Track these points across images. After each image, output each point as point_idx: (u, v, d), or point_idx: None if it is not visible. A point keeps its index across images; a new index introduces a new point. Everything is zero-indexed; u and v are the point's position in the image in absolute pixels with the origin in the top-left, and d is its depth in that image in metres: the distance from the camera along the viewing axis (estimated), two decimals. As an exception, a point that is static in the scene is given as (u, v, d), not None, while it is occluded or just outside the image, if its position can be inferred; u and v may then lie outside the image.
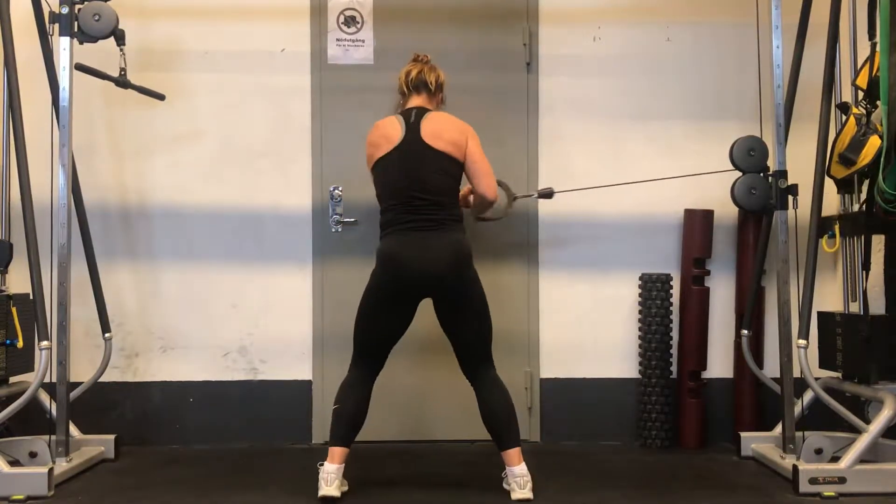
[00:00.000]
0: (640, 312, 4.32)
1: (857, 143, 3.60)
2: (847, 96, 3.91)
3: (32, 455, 3.57)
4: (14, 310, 3.70)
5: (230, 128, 4.35)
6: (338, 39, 4.37)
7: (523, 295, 4.38)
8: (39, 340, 3.54)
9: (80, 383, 4.03)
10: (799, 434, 3.71)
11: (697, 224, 4.31)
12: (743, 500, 3.39)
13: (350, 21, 4.36)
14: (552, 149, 4.38)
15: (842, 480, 3.39)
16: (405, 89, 3.53)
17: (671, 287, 4.29)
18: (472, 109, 4.32)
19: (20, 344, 3.71)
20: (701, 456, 4.13)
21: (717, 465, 3.94)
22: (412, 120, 3.42)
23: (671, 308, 4.29)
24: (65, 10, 3.63)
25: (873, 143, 3.55)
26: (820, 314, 4.04)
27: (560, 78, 4.39)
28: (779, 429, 3.88)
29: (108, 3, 3.69)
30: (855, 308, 3.89)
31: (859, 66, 3.81)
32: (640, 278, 4.31)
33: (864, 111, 3.63)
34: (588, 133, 4.39)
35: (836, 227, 3.83)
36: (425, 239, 3.33)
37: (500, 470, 3.39)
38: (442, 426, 4.32)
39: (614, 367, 4.38)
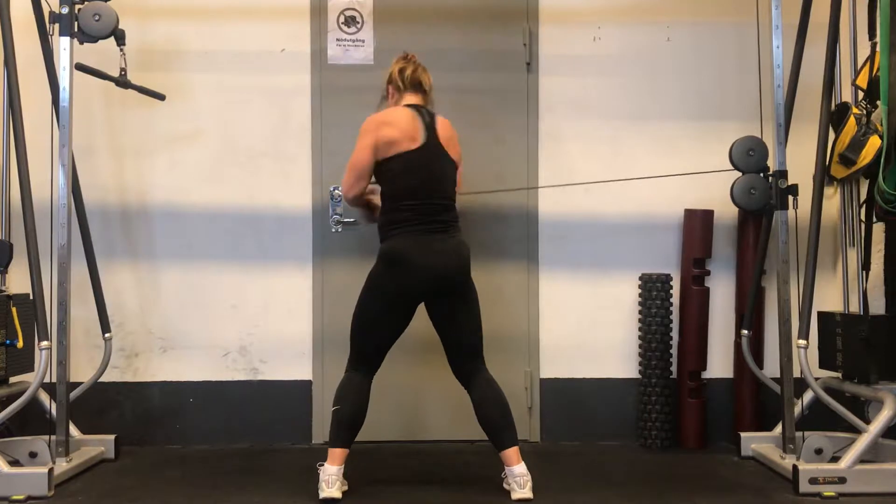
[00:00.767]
0: (640, 312, 4.32)
1: (857, 143, 3.60)
2: (847, 96, 3.91)
3: (32, 455, 3.57)
4: (14, 310, 3.70)
5: (230, 128, 4.35)
6: (338, 39, 4.37)
7: (523, 295, 4.38)
8: (39, 340, 3.54)
9: (80, 383, 4.03)
10: (799, 434, 3.71)
11: (697, 224, 4.31)
12: (743, 500, 3.39)
13: (350, 21, 4.36)
14: (552, 149, 4.38)
15: (842, 480, 3.39)
16: (401, 85, 3.52)
17: (671, 287, 4.29)
18: (472, 109, 4.35)
19: (20, 344, 3.71)
20: (701, 456, 4.13)
21: (716, 465, 3.94)
22: (428, 121, 3.43)
23: (671, 308, 4.29)
24: (65, 10, 3.63)
25: (873, 143, 3.55)
26: (820, 314, 4.03)
27: (560, 78, 4.39)
28: (779, 429, 3.88)
29: (108, 3, 3.69)
30: (855, 307, 3.89)
31: (859, 66, 3.81)
32: (640, 278, 4.31)
33: (864, 111, 3.63)
34: (588, 133, 4.39)
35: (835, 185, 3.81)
36: (441, 241, 3.36)
37: (500, 470, 3.39)
38: (442, 426, 4.32)
39: (614, 367, 4.38)
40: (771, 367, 4.20)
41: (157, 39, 4.31)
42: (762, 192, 3.74)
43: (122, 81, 3.91)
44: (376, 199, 3.54)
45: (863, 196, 3.85)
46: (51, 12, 3.72)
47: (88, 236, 4.03)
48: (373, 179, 3.47)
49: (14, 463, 3.57)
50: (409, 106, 3.47)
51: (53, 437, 3.65)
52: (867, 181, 3.75)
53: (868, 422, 3.59)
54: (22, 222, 3.57)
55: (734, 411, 4.33)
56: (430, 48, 4.30)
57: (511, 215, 4.29)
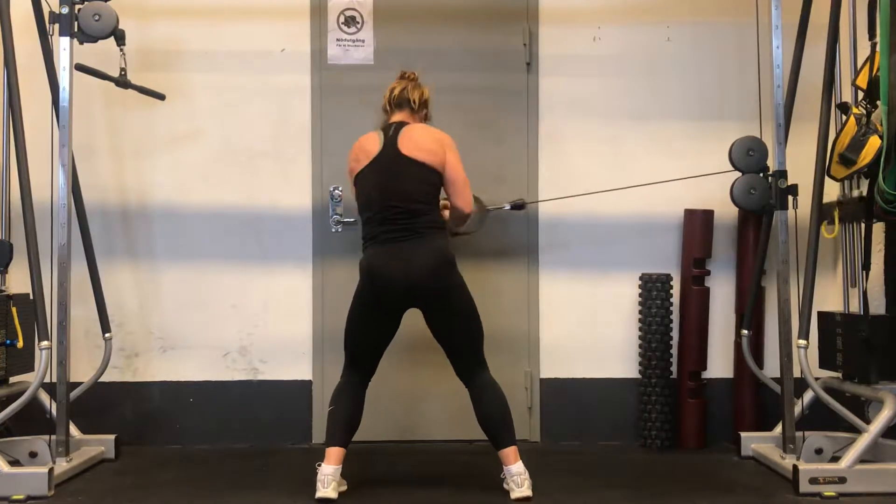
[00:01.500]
0: (640, 312, 4.32)
1: (857, 143, 3.60)
2: (847, 96, 3.91)
3: (32, 455, 3.57)
4: (14, 310, 3.70)
5: (230, 128, 4.35)
6: (338, 39, 4.37)
7: (523, 295, 4.38)
8: (39, 340, 3.54)
9: (80, 383, 4.03)
10: (799, 434, 3.71)
11: (697, 224, 4.31)
12: (743, 500, 3.39)
13: (350, 21, 4.36)
14: (552, 149, 4.38)
15: (842, 480, 3.39)
16: (388, 107, 3.55)
17: (671, 287, 4.29)
18: (472, 110, 4.35)
19: (20, 344, 3.71)
20: (701, 456, 4.13)
21: (717, 465, 3.94)
22: (391, 133, 3.44)
23: (671, 308, 4.29)
24: (65, 10, 3.63)
25: (873, 143, 3.54)
26: (820, 314, 4.03)
27: (560, 78, 4.39)
28: (779, 429, 3.88)
29: (108, 3, 3.69)
30: (855, 307, 3.89)
31: (859, 66, 3.81)
32: (640, 278, 4.31)
33: (864, 111, 3.63)
34: (588, 133, 4.39)
35: (836, 214, 3.82)
36: (405, 249, 3.33)
37: (499, 469, 3.39)
38: (441, 426, 4.32)
39: (614, 367, 4.38)
40: (771, 367, 4.20)
41: (157, 39, 4.31)
42: (762, 192, 3.74)
43: (122, 81, 3.91)
44: (445, 213, 3.56)
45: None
46: (51, 12, 3.72)
47: (88, 236, 4.03)
48: (443, 194, 3.48)
49: (14, 463, 3.57)
50: (383, 127, 3.50)
51: (53, 437, 3.64)
52: (867, 181, 3.75)
53: (868, 422, 3.59)
54: (22, 222, 3.57)
55: (734, 411, 4.33)
56: (430, 48, 4.32)
57: (511, 215, 4.29)
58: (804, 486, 3.39)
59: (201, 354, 4.32)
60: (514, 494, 3.31)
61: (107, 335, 4.07)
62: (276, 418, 4.31)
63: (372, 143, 3.44)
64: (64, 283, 3.64)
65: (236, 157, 4.35)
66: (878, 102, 3.50)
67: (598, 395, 4.36)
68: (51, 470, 3.41)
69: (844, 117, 3.73)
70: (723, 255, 4.40)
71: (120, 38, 3.76)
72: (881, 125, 3.48)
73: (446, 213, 3.57)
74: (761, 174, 3.76)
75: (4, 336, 3.68)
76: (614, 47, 4.41)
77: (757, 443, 3.99)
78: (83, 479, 3.66)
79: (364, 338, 3.44)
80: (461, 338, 3.41)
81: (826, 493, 3.36)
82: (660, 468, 3.92)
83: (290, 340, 4.33)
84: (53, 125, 3.74)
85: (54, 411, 3.70)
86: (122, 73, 3.89)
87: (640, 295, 4.31)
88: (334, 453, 3.34)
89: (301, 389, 4.33)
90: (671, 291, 4.29)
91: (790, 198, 3.72)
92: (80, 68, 3.83)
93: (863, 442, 3.45)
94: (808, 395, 3.89)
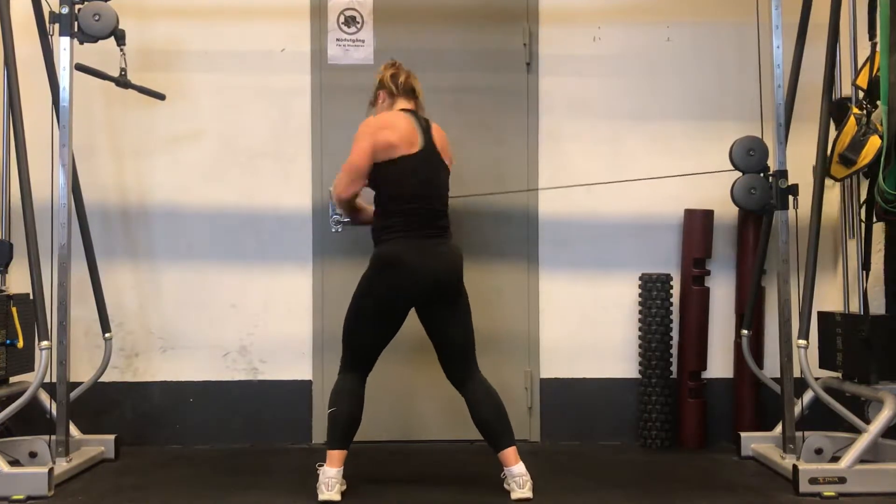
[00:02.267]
0: (640, 312, 4.32)
1: (857, 143, 3.60)
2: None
3: (32, 455, 3.57)
4: (14, 310, 3.70)
5: (230, 128, 4.35)
6: (338, 39, 4.37)
7: (523, 295, 4.37)
8: (39, 340, 3.54)
9: (80, 383, 4.03)
10: (799, 434, 3.71)
11: (697, 224, 4.31)
12: (743, 500, 3.39)
13: (350, 21, 4.36)
14: (552, 149, 4.38)
15: (842, 480, 3.39)
16: (394, 90, 3.51)
17: (671, 287, 4.29)
18: (472, 109, 4.35)
19: (20, 344, 3.70)
20: (701, 456, 4.13)
21: (717, 465, 3.94)
22: (425, 126, 3.44)
23: (671, 308, 4.29)
24: (65, 10, 3.63)
25: (873, 143, 3.55)
26: (820, 314, 4.04)
27: (560, 78, 4.39)
28: (779, 429, 3.88)
29: (108, 3, 3.69)
30: (855, 307, 3.89)
31: (859, 66, 3.81)
32: (640, 278, 4.31)
33: (864, 111, 3.63)
34: (588, 133, 4.39)
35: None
36: (436, 246, 3.37)
37: (500, 469, 3.39)
38: (441, 426, 4.32)
39: (614, 367, 4.38)
40: (771, 367, 4.20)
41: (157, 39, 4.31)
42: (762, 192, 3.74)
43: (122, 81, 3.91)
44: (363, 202, 3.55)
45: (863, 196, 3.85)
46: (51, 12, 3.72)
47: (88, 236, 4.03)
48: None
49: (14, 463, 3.57)
50: (404, 111, 3.47)
51: (53, 437, 3.64)
52: (867, 181, 3.75)
53: (868, 422, 3.59)
54: (22, 222, 3.57)
55: (734, 411, 4.33)
56: (430, 48, 4.32)
57: (511, 215, 4.29)
58: (804, 486, 3.39)
59: (201, 354, 4.32)
60: (515, 495, 3.31)
61: (107, 335, 4.07)
62: (276, 418, 4.31)
63: (411, 132, 3.39)
64: (64, 282, 3.64)
65: (236, 157, 4.35)
66: (878, 102, 3.50)
67: (599, 395, 4.36)
68: (51, 470, 3.41)
69: (837, 113, 3.73)
70: (723, 255, 4.40)
71: (120, 38, 3.76)
72: (881, 125, 3.49)
73: (361, 200, 3.54)
74: (762, 174, 3.76)
75: (4, 336, 3.68)
76: (614, 47, 4.41)
77: (757, 443, 3.99)
78: (83, 479, 3.66)
79: (376, 333, 3.40)
80: (463, 334, 3.42)
81: (826, 493, 3.36)
82: (660, 468, 3.92)
83: (290, 340, 4.33)
84: (53, 125, 3.74)
85: (54, 411, 3.69)
86: (122, 73, 3.89)
87: (640, 295, 4.31)
88: (337, 456, 3.33)
89: (301, 389, 4.33)
90: (671, 291, 4.29)
91: (790, 198, 3.72)
92: (80, 68, 3.83)
93: (863, 442, 3.45)
94: (808, 395, 3.89)
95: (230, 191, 4.34)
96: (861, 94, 3.71)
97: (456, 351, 3.42)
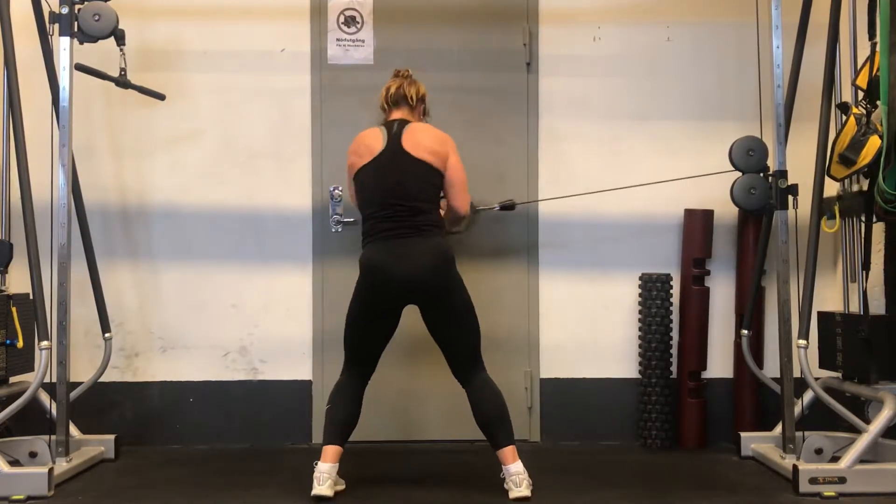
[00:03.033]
0: (640, 312, 4.32)
1: (857, 143, 3.60)
2: (847, 96, 3.91)
3: (32, 455, 3.57)
4: (14, 310, 3.70)
5: (230, 128, 4.35)
6: (338, 39, 4.37)
7: (523, 295, 4.38)
8: (39, 340, 3.55)
9: (80, 383, 4.03)
10: (799, 434, 3.71)
11: (697, 224, 4.31)
12: (743, 500, 3.39)
13: (350, 21, 4.36)
14: (552, 149, 4.38)
15: (842, 480, 3.39)
16: (385, 105, 3.56)
17: (671, 287, 4.29)
18: (472, 109, 4.35)
19: (20, 344, 3.71)
20: (701, 456, 4.13)
21: (717, 465, 3.94)
22: (394, 130, 3.44)
23: (671, 308, 4.29)
24: (65, 10, 3.63)
25: (873, 143, 3.54)
26: (820, 314, 4.03)
27: (560, 78, 4.39)
28: (779, 429, 3.88)
29: (108, 3, 3.69)
30: (855, 307, 3.89)
31: (859, 66, 3.81)
32: (640, 278, 4.31)
33: (864, 111, 3.63)
34: (588, 133, 4.39)
35: (836, 209, 3.81)
36: (405, 245, 3.35)
37: (500, 470, 3.38)
38: (441, 426, 4.32)
39: (614, 367, 4.38)
40: (771, 367, 4.20)
41: (157, 39, 4.31)
42: (762, 192, 3.74)
43: (122, 81, 3.91)
44: (442, 212, 3.57)
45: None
46: (51, 12, 3.72)
47: (88, 236, 4.03)
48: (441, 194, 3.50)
49: (14, 463, 3.57)
50: (385, 123, 3.50)
51: (53, 437, 3.64)
52: (867, 181, 3.75)
53: (868, 422, 3.59)
54: (22, 222, 3.57)
55: (734, 411, 4.33)
56: (430, 48, 4.32)
57: (511, 215, 4.29)
58: (804, 486, 3.39)
59: (201, 354, 4.32)
60: (513, 494, 3.31)
61: (107, 335, 4.07)
62: (276, 418, 4.31)
63: (374, 140, 3.45)
64: (64, 282, 3.64)
65: (236, 157, 4.35)
66: (878, 102, 3.50)
67: (598, 395, 4.36)
68: (51, 470, 3.41)
69: (844, 117, 3.74)
70: (723, 255, 4.40)
71: (120, 38, 3.76)
72: (881, 125, 3.49)
73: (442, 212, 3.58)
74: (761, 174, 3.76)
75: (4, 336, 3.68)
76: (614, 47, 4.41)
77: (757, 443, 3.99)
78: (83, 479, 3.66)
79: (363, 335, 3.44)
80: (459, 336, 3.41)
81: (826, 493, 3.36)
82: (660, 468, 3.92)
83: (290, 340, 4.33)
84: (53, 125, 3.74)
85: (54, 411, 3.69)
86: (122, 73, 3.89)
87: (640, 295, 4.31)
88: (331, 451, 3.34)
89: (301, 389, 4.33)
90: (671, 291, 4.29)
91: (790, 198, 3.72)
92: (80, 68, 3.83)
93: (863, 442, 3.45)
94: (807, 395, 3.89)
95: (230, 191, 4.34)
96: (861, 94, 3.71)
97: (456, 350, 3.42)
